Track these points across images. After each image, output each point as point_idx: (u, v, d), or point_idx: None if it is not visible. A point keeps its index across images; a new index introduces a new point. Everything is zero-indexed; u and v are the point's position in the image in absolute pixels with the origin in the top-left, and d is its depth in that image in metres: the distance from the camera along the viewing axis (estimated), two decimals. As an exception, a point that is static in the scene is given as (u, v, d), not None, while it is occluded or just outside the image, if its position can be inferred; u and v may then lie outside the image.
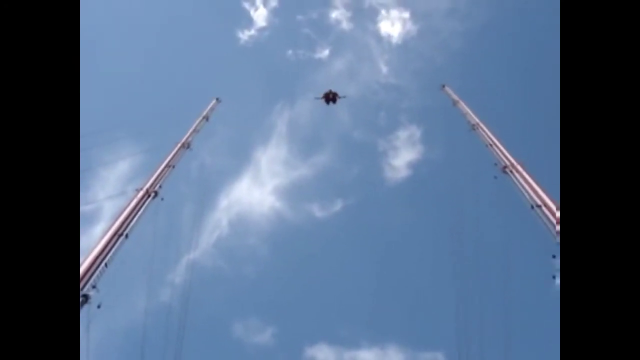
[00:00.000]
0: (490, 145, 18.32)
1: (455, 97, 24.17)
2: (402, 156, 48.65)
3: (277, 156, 50.79)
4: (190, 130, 21.39)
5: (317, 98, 32.26)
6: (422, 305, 42.02)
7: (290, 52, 55.68)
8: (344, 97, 32.35)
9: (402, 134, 49.75)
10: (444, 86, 26.31)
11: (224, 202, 47.84)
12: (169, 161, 18.27)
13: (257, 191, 49.65)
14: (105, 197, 17.55)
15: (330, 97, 32.04)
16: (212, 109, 24.74)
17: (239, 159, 53.92)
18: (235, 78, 56.63)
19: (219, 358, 40.54)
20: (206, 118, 23.51)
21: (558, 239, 11.53)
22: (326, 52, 54.32)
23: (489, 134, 19.15)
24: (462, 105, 22.96)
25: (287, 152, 51.02)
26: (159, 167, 17.63)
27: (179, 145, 19.65)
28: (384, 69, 54.58)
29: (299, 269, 46.57)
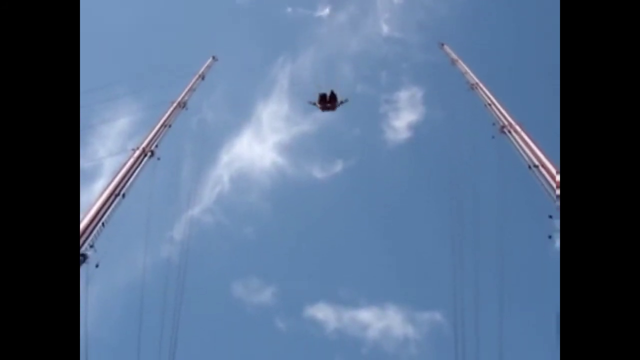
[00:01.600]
0: (489, 105, 18.20)
1: (454, 55, 23.88)
2: (403, 117, 48.34)
3: (278, 111, 50.28)
4: (186, 89, 21.13)
5: (311, 103, 25.42)
6: (421, 265, 42.53)
7: (289, 9, 54.88)
8: (346, 100, 25.07)
9: (404, 94, 49.33)
10: (443, 44, 25.96)
11: (224, 158, 47.85)
12: (165, 120, 18.09)
13: (258, 147, 49.40)
14: (104, 156, 17.59)
15: (328, 101, 24.97)
16: (208, 67, 24.40)
17: (239, 114, 53.66)
18: (234, 35, 55.81)
19: (219, 316, 41.11)
20: (202, 77, 23.19)
21: (558, 203, 11.53)
22: (326, 11, 53.36)
23: (488, 93, 19.00)
24: (461, 64, 22.70)
25: (288, 107, 50.45)
26: (155, 126, 17.49)
27: (174, 104, 19.44)
28: (387, 24, 53.66)
29: (299, 227, 46.93)
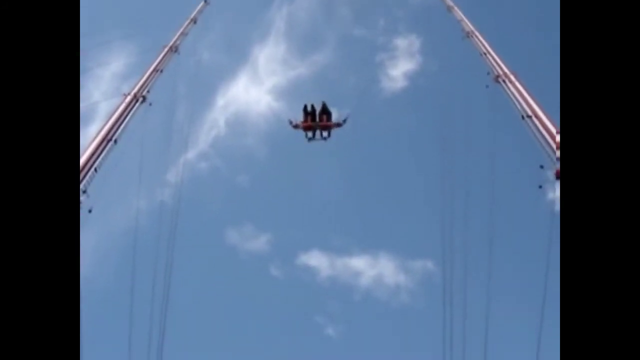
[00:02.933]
0: (485, 54, 18.03)
1: (450, 2, 23.50)
2: (399, 65, 47.77)
3: (275, 54, 49.50)
4: (178, 33, 20.80)
5: (292, 125, 18.81)
6: (414, 214, 42.90)
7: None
8: (344, 121, 18.92)
9: (400, 41, 48.58)
10: (438, -9, 25.47)
11: (220, 101, 47.63)
12: (157, 65, 17.87)
13: (254, 90, 48.91)
14: (98, 100, 17.40)
15: (318, 118, 18.24)
16: (200, 11, 23.96)
17: (235, 57, 52.89)
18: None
19: (214, 262, 41.61)
20: (194, 21, 22.80)
21: (558, 165, 11.52)
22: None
23: (484, 42, 18.80)
24: (457, 11, 22.36)
25: (285, 50, 49.61)
26: (146, 71, 17.27)
27: (166, 49, 19.15)
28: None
29: (294, 175, 46.95)
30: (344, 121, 19.10)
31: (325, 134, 18.74)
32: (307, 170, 46.84)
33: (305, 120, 18.42)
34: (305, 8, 51.57)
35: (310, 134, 18.63)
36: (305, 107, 18.72)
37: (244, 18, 53.54)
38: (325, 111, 18.56)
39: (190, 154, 42.12)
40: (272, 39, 50.31)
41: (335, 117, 19.10)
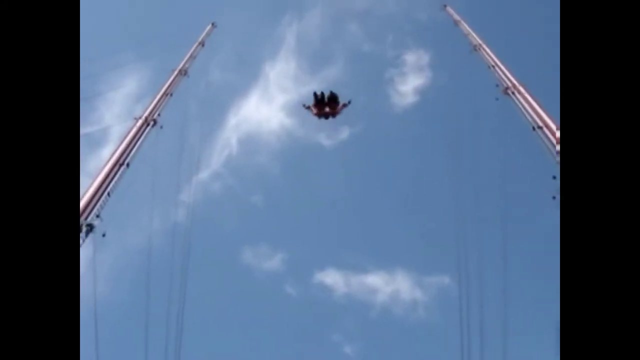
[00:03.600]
0: (493, 66, 18.04)
1: (457, 17, 23.60)
2: (408, 81, 47.81)
3: (286, 71, 49.66)
4: (187, 56, 21.08)
5: (305, 107, 20.98)
6: (429, 229, 42.55)
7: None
8: (349, 103, 20.72)
9: (409, 57, 48.68)
10: (445, 6, 25.62)
11: (232, 120, 47.72)
12: (167, 89, 18.07)
13: (265, 108, 49.12)
14: (108, 125, 17.59)
15: (327, 104, 20.42)
16: (208, 34, 24.29)
17: (247, 75, 53.25)
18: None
19: (229, 282, 41.50)
20: (202, 44, 23.12)
21: (558, 159, 11.56)
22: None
23: (492, 54, 18.83)
24: (464, 25, 22.44)
25: (296, 66, 49.85)
26: (156, 95, 17.46)
27: (175, 72, 19.40)
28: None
29: (307, 192, 46.96)
30: (349, 102, 20.91)
31: (333, 117, 20.84)
32: (320, 187, 46.83)
33: (316, 106, 20.62)
34: (314, 24, 51.91)
35: (319, 115, 20.87)
36: (315, 94, 20.71)
37: (254, 35, 54.30)
38: (333, 98, 20.49)
39: (204, 174, 42.35)
40: (282, 56, 50.63)
41: (341, 104, 21.06)
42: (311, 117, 20.84)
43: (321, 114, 20.59)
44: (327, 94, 20.53)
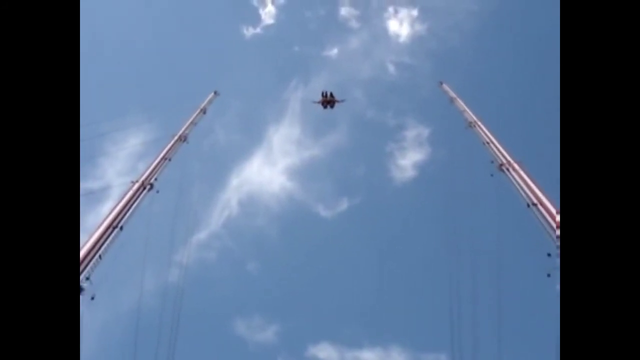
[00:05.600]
0: (487, 143, 18.33)
1: (452, 94, 24.17)
2: (407, 155, 48.29)
3: (289, 135, 50.25)
4: (187, 123, 21.35)
5: (315, 102, 30.42)
6: (425, 305, 41.81)
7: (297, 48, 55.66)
8: (343, 100, 30.57)
9: (409, 132, 49.36)
10: (442, 83, 26.29)
11: (234, 181, 47.97)
12: (165, 154, 18.22)
13: (267, 170, 49.30)
14: (103, 187, 17.57)
15: (328, 101, 30.15)
16: (209, 102, 24.72)
17: (250, 136, 53.52)
18: (248, 64, 56.63)
19: (221, 354, 40.43)
20: (203, 111, 23.49)
21: (558, 243, 11.47)
22: (335, 51, 54.26)
23: (486, 131, 19.16)
24: (459, 102, 22.96)
25: (300, 131, 50.51)
26: (154, 160, 17.60)
27: (175, 138, 19.60)
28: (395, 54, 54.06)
29: (303, 262, 46.40)
30: (342, 100, 30.59)
31: (332, 107, 30.59)
32: (316, 258, 46.48)
33: (322, 100, 30.34)
34: (320, 90, 52.90)
35: (324, 106, 30.46)
36: (323, 92, 30.51)
37: (260, 99, 55.14)
38: (332, 96, 30.20)
39: (203, 234, 42.42)
40: (287, 120, 51.35)
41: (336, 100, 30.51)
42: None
43: (324, 105, 30.22)
44: (329, 94, 30.29)
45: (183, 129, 20.63)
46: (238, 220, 46.65)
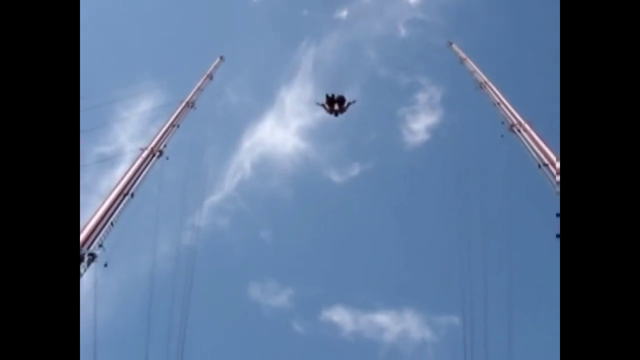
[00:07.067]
0: (498, 104, 18.13)
1: (462, 54, 23.83)
2: (419, 118, 47.89)
3: (301, 95, 49.52)
4: (194, 89, 21.26)
5: (319, 104, 24.30)
6: (439, 268, 41.87)
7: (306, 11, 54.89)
8: (354, 102, 23.93)
9: (421, 96, 48.83)
10: (451, 43, 25.89)
11: (247, 143, 47.98)
12: (173, 121, 18.22)
13: (280, 132, 49.10)
14: (115, 156, 17.65)
15: (335, 101, 23.79)
16: (216, 67, 24.52)
17: (262, 98, 53.22)
18: (255, 32, 56.34)
19: (235, 319, 40.98)
20: (210, 77, 23.35)
21: (558, 189, 11.49)
22: (345, 12, 53.32)
23: (497, 92, 18.93)
24: (470, 63, 22.65)
25: (312, 91, 49.74)
26: (163, 126, 17.61)
27: (183, 104, 19.56)
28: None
29: (317, 226, 46.61)
30: (353, 101, 23.97)
31: (341, 112, 24.22)
32: (330, 223, 46.57)
33: (328, 103, 23.95)
34: (331, 49, 52.28)
35: (330, 111, 24.20)
36: (327, 95, 23.94)
37: (271, 60, 54.67)
38: (341, 99, 23.83)
39: (217, 197, 42.78)
40: (299, 80, 50.78)
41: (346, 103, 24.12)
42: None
43: (332, 111, 24.05)
44: (336, 96, 23.92)
45: (190, 95, 20.55)
46: (251, 183, 46.78)
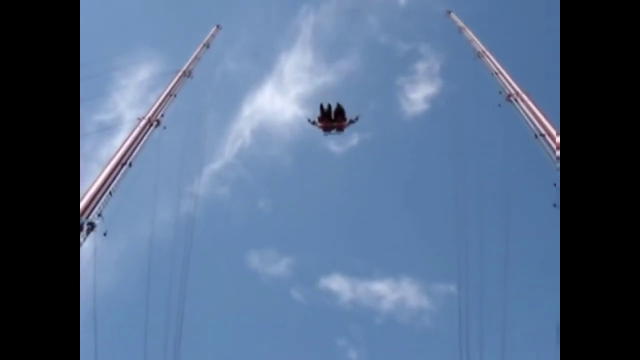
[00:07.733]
0: (496, 73, 18.07)
1: (460, 24, 23.62)
2: (418, 88, 47.58)
3: (301, 62, 49.40)
4: (191, 58, 21.08)
5: (311, 122, 20.35)
6: (436, 237, 42.27)
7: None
8: (357, 119, 20.15)
9: (420, 66, 48.40)
10: (449, 12, 25.64)
11: (246, 110, 47.96)
12: (170, 90, 18.11)
13: (279, 99, 48.84)
14: (113, 125, 17.61)
15: (333, 118, 19.71)
16: (212, 36, 24.28)
17: (261, 65, 52.98)
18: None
19: (234, 286, 41.37)
20: (207, 45, 23.13)
21: (558, 165, 11.56)
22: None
23: (495, 61, 18.85)
24: (468, 32, 22.48)
25: (311, 57, 49.61)
26: (160, 96, 17.53)
27: (179, 73, 19.43)
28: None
29: (316, 196, 46.82)
30: (356, 119, 20.34)
31: (340, 131, 20.34)
32: (328, 192, 46.77)
33: (322, 120, 19.93)
34: (331, 15, 51.74)
35: (326, 131, 20.31)
36: (322, 106, 20.00)
37: (270, 26, 54.20)
38: (340, 111, 19.80)
39: (217, 164, 42.86)
40: (298, 47, 50.35)
41: (348, 119, 20.53)
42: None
43: (328, 128, 20.14)
44: (334, 107, 20.01)
45: (187, 64, 20.39)
46: (251, 151, 46.80)
